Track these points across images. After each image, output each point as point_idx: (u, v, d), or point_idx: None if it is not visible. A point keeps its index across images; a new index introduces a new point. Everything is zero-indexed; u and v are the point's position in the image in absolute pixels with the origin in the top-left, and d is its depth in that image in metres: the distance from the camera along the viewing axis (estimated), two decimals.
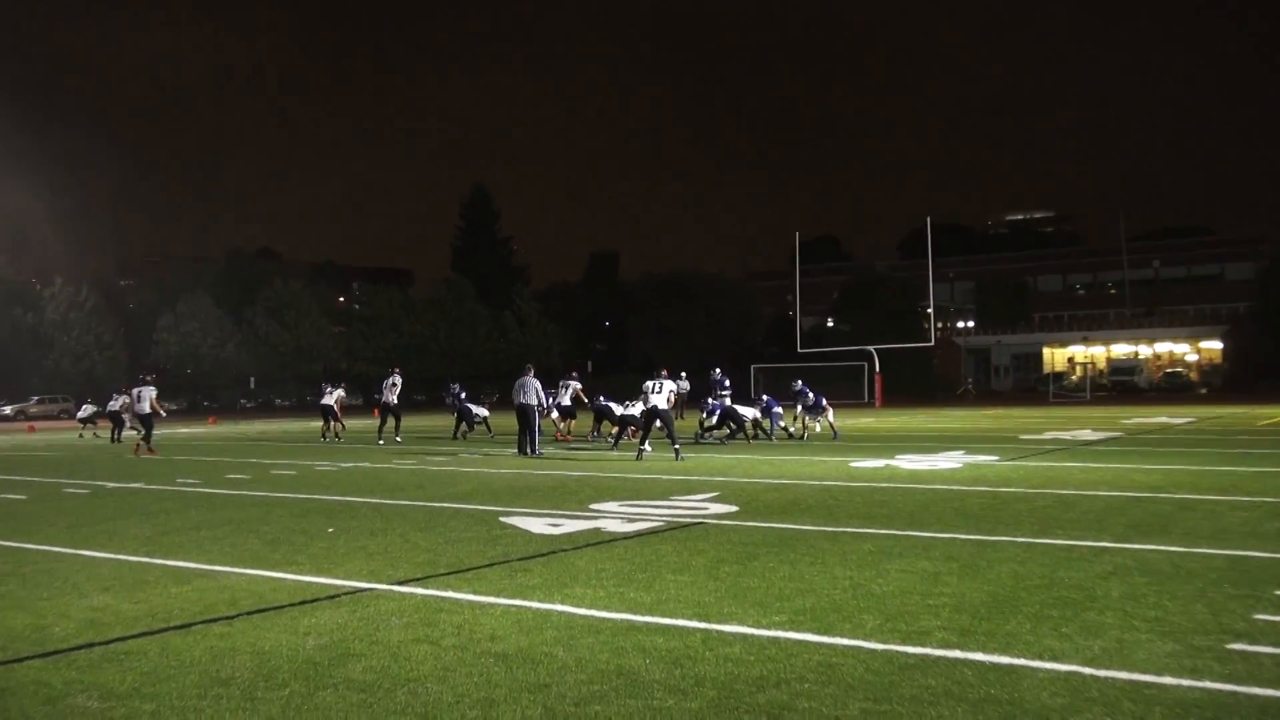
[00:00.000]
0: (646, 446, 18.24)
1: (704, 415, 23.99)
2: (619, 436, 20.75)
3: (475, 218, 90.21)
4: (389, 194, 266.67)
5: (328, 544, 8.80)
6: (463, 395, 28.18)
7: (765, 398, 22.20)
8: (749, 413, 21.26)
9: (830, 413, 22.80)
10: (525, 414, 19.27)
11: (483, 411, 27.08)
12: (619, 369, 73.78)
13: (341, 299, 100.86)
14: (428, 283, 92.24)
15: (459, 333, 75.02)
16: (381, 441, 23.58)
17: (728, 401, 24.16)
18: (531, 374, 19.86)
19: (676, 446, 17.23)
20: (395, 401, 24.08)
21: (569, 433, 24.07)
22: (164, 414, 21.96)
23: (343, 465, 17.87)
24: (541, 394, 20.07)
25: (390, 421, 24.19)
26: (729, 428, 21.61)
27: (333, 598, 6.61)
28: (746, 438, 21.13)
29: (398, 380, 24.35)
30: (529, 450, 19.06)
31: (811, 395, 22.54)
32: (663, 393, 17.76)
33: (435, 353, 74.51)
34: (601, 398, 24.26)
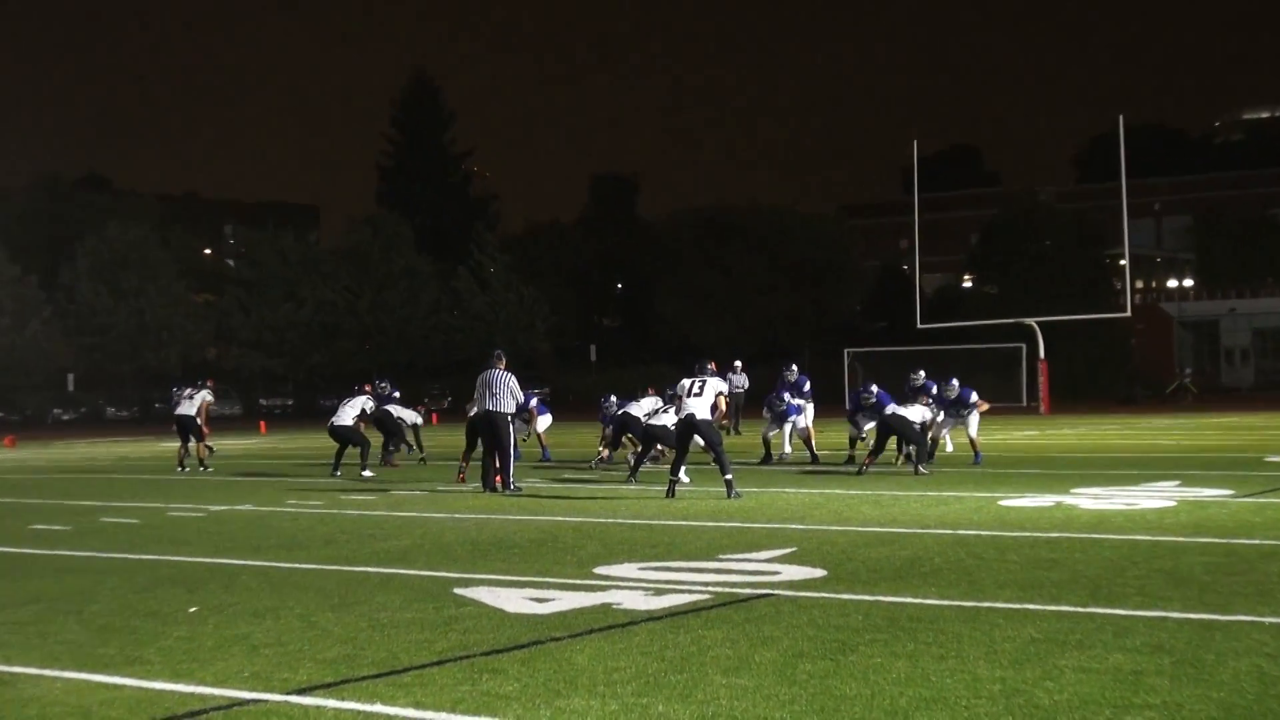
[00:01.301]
0: (683, 477, 18.22)
1: (767, 429, 23.99)
2: (639, 461, 20.77)
3: (415, 124, 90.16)
4: (284, 93, 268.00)
5: (189, 631, 8.84)
6: (396, 395, 28.26)
7: (875, 389, 22.08)
8: (920, 415, 20.75)
9: (974, 422, 22.78)
10: (494, 426, 19.30)
11: (411, 416, 27.16)
12: (638, 356, 73.88)
13: (209, 250, 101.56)
14: (341, 224, 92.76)
15: (389, 300, 75.20)
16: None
17: (810, 408, 24.06)
18: (503, 365, 19.93)
19: (728, 477, 17.23)
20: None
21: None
22: None
23: (212, 509, 17.96)
24: (519, 394, 20.12)
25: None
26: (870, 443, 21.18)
27: (197, 714, 6.63)
28: (927, 459, 20.90)
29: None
30: (500, 483, 19.11)
31: (952, 391, 22.32)
32: (704, 395, 17.70)
33: (353, 332, 74.71)
34: (614, 401, 24.24)
